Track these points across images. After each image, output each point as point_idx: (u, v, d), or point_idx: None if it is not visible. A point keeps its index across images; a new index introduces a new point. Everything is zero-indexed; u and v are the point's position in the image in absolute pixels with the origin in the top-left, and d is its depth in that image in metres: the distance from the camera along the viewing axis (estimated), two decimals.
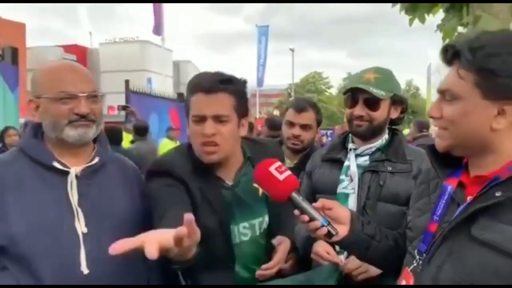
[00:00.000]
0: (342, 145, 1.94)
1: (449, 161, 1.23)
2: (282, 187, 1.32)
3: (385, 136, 1.88)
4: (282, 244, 1.66)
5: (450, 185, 1.20)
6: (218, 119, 1.53)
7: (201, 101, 1.54)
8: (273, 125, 4.72)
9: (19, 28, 22.60)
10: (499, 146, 1.11)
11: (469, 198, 1.14)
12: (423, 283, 1.16)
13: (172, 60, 36.49)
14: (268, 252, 1.68)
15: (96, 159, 1.49)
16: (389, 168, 1.79)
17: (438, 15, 4.03)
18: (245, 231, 1.66)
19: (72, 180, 1.42)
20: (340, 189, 1.84)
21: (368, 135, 1.85)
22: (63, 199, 1.40)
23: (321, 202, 1.34)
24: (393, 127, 1.93)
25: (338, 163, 1.89)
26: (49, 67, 1.50)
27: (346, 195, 1.82)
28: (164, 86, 21.86)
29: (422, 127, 6.71)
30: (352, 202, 1.80)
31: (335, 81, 54.33)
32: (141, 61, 32.58)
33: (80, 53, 33.18)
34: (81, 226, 1.39)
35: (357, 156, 1.87)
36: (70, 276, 1.35)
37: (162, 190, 1.53)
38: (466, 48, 1.09)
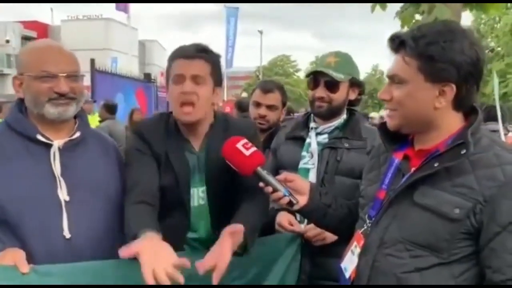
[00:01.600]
0: (304, 124, 2.10)
1: (396, 137, 1.39)
2: (248, 162, 1.47)
3: (344, 116, 2.04)
4: (227, 238, 1.44)
5: (397, 158, 1.36)
6: (196, 80, 1.64)
7: (181, 64, 1.67)
8: (242, 107, 4.87)
9: None
10: (441, 122, 1.28)
11: (413, 169, 1.29)
12: (371, 243, 1.32)
13: (137, 39, 35.65)
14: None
15: (78, 134, 1.58)
16: (346, 145, 1.96)
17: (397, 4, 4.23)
18: (203, 195, 1.72)
19: (55, 152, 1.51)
20: (301, 165, 2.00)
21: (328, 115, 2.01)
22: (47, 170, 1.49)
23: (284, 175, 1.51)
24: (352, 108, 2.09)
25: (300, 141, 2.05)
26: (34, 46, 1.59)
27: (307, 170, 1.98)
28: (129, 65, 21.41)
29: None
30: (312, 176, 1.96)
31: (303, 65, 54.55)
32: (105, 39, 31.69)
33: (41, 30, 31.88)
34: (63, 194, 1.49)
35: (317, 134, 2.03)
36: (53, 240, 1.45)
37: (133, 155, 1.69)
38: (409, 37, 1.25)
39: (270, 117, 2.59)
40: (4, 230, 1.42)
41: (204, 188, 1.72)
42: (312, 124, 2.06)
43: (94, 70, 8.91)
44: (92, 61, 8.89)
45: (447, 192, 1.21)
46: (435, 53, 1.21)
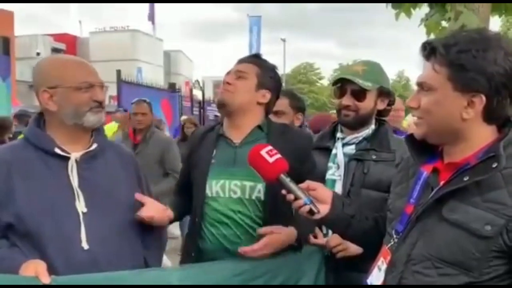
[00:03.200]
0: (331, 134, 2.06)
1: (426, 149, 1.34)
2: (272, 168, 1.49)
3: (372, 127, 1.99)
4: (272, 234, 1.72)
5: (426, 171, 1.31)
6: (238, 74, 1.85)
7: (236, 66, 1.90)
8: None
9: (8, 16, 22.29)
10: (469, 134, 1.23)
11: (442, 183, 1.25)
12: (398, 259, 1.28)
13: (162, 49, 36.23)
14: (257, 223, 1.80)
15: (94, 145, 1.61)
16: (373, 157, 1.90)
17: (423, 9, 4.15)
18: (235, 188, 1.80)
19: (72, 165, 1.55)
20: (328, 176, 1.96)
21: (354, 125, 1.97)
22: (65, 182, 1.53)
23: (306, 183, 1.50)
24: (381, 118, 2.04)
25: (326, 151, 2.01)
26: (61, 59, 1.67)
27: (333, 181, 1.94)
28: (154, 75, 21.79)
29: None
30: (339, 188, 1.92)
31: (326, 72, 54.33)
32: (131, 50, 32.30)
33: (70, 42, 32.78)
34: (81, 206, 1.52)
35: (344, 145, 1.98)
36: (72, 251, 1.48)
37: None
38: (441, 45, 1.21)
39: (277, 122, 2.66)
40: (25, 243, 1.45)
41: (236, 182, 1.80)
42: (339, 134, 2.02)
43: (120, 80, 9.06)
44: (118, 72, 9.04)
45: (477, 208, 1.16)
46: (466, 62, 1.18)
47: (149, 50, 31.78)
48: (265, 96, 1.87)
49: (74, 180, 1.54)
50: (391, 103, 2.03)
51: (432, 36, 3.99)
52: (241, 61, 1.93)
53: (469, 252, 1.15)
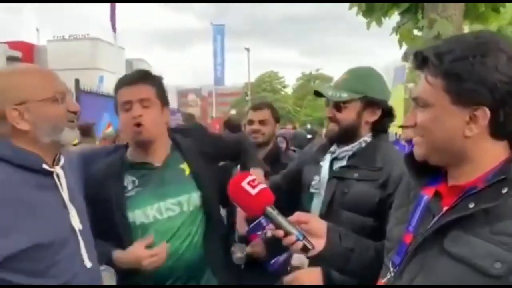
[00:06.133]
0: (328, 147, 1.89)
1: (428, 170, 1.18)
2: (255, 201, 1.29)
3: (365, 139, 1.79)
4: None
5: (426, 195, 1.15)
6: (142, 103, 1.76)
7: (126, 91, 1.79)
8: (232, 126, 4.69)
9: None
10: (475, 154, 1.06)
11: (444, 209, 1.08)
12: None
13: (125, 58, 35.56)
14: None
15: (62, 158, 1.48)
16: (355, 175, 1.72)
17: (394, 18, 4.09)
18: (173, 207, 1.83)
19: (61, 178, 1.42)
20: (311, 189, 1.82)
21: (338, 138, 1.80)
22: (57, 200, 1.41)
23: (296, 215, 1.31)
24: (379, 131, 1.82)
25: (318, 165, 1.86)
26: (23, 70, 1.44)
27: (312, 195, 1.80)
28: None
29: None
30: (317, 204, 1.77)
31: (290, 81, 54.99)
32: (92, 59, 31.54)
33: (27, 50, 31.58)
34: (76, 223, 1.43)
35: (334, 160, 1.81)
36: (78, 273, 1.40)
37: None
38: (432, 54, 1.05)
39: (263, 131, 2.80)
40: (22, 275, 1.29)
41: (172, 200, 1.84)
42: (332, 148, 1.84)
43: (79, 90, 8.69)
44: (77, 81, 8.70)
45: (485, 240, 0.97)
46: (462, 71, 1.00)
47: (110, 59, 31.02)
48: (166, 114, 1.88)
49: (66, 196, 1.42)
50: (386, 114, 1.82)
51: (404, 46, 3.93)
52: (130, 83, 1.81)
53: None
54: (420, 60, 1.09)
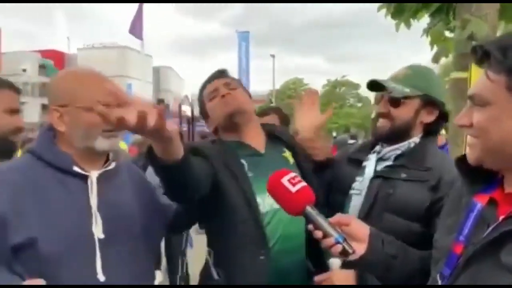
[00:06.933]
0: (372, 146, 1.75)
1: (481, 175, 1.07)
2: (295, 199, 1.22)
3: (415, 140, 1.64)
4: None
5: (480, 202, 1.05)
6: (229, 86, 1.77)
7: (216, 83, 1.79)
8: None
9: None
10: None
11: (501, 218, 0.99)
12: None
13: (152, 65, 36.21)
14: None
15: (113, 164, 1.46)
16: (403, 175, 1.57)
17: (423, 20, 3.97)
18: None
19: (92, 184, 1.39)
20: (350, 190, 1.67)
21: (389, 136, 1.64)
22: (83, 204, 1.37)
23: (337, 217, 1.23)
24: (430, 133, 1.67)
25: (359, 164, 1.71)
26: (76, 74, 1.47)
27: (350, 197, 1.67)
28: (144, 92, 21.56)
29: None
30: (355, 205, 1.63)
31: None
32: (120, 66, 32.32)
33: (58, 58, 32.61)
34: (98, 231, 1.36)
35: (380, 160, 1.67)
36: (86, 282, 1.32)
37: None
38: (496, 48, 0.96)
39: None
40: (33, 270, 1.26)
41: None
42: (377, 147, 1.71)
43: None
44: None
45: None
46: None
47: (138, 66, 31.70)
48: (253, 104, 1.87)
49: (94, 202, 1.38)
50: (443, 116, 1.66)
51: (435, 48, 3.78)
52: (212, 79, 1.83)
53: None
54: (481, 55, 1.00)
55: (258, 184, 1.59)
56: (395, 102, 1.61)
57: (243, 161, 1.68)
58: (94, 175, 1.40)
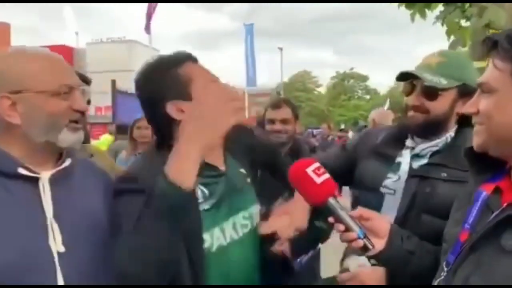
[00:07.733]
0: (397, 139, 1.63)
1: (489, 166, 1.09)
2: (319, 191, 1.22)
3: (451, 134, 1.55)
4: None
5: (485, 191, 1.07)
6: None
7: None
8: (264, 125, 4.69)
9: (5, 28, 22.14)
10: None
11: (505, 205, 1.01)
12: None
13: None
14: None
15: (68, 161, 1.23)
16: (443, 175, 1.47)
17: (437, 9, 3.88)
18: (245, 222, 1.44)
19: (44, 187, 1.16)
20: (382, 189, 1.57)
21: (421, 130, 1.55)
22: (36, 211, 1.14)
23: (359, 211, 1.24)
24: (465, 125, 1.54)
25: (388, 159, 1.60)
26: (28, 53, 1.19)
27: (381, 196, 1.57)
28: None
29: None
30: (389, 205, 1.53)
31: (324, 80, 54.40)
32: (128, 61, 32.30)
33: (67, 53, 32.68)
34: (57, 244, 1.14)
35: (414, 156, 1.56)
36: None
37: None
38: (504, 37, 1.00)
39: (286, 129, 2.79)
40: None
41: (244, 213, 1.46)
42: (408, 142, 1.59)
43: (115, 91, 8.84)
44: (113, 82, 8.85)
45: None
46: None
47: (146, 60, 31.65)
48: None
49: (49, 209, 1.15)
50: None
51: (452, 38, 3.67)
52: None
53: None
54: (490, 45, 1.03)
55: (217, 212, 1.37)
56: (431, 94, 1.51)
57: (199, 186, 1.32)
58: (45, 176, 1.17)
